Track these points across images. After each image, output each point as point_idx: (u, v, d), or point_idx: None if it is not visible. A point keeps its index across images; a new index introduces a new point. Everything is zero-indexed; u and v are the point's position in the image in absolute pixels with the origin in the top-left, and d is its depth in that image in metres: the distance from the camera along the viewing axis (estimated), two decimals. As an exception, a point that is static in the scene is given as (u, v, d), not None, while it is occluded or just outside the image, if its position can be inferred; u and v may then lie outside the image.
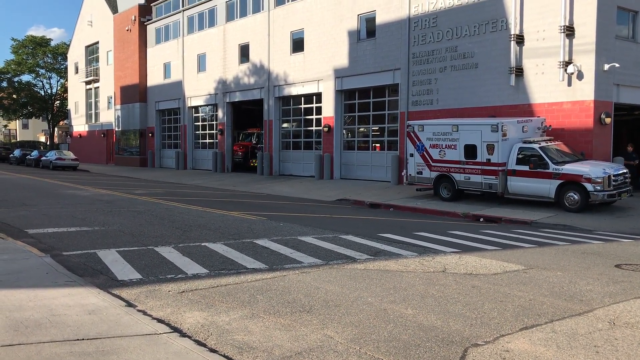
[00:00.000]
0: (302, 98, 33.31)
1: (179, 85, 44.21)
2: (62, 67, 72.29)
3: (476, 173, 19.41)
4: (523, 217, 16.94)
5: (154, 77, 47.86)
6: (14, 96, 73.14)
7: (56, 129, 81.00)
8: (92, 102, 60.04)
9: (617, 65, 20.27)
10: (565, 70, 20.44)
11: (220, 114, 39.89)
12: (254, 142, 39.27)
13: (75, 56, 62.91)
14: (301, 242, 11.59)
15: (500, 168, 18.73)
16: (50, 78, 74.14)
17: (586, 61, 20.13)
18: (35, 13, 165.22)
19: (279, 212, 17.78)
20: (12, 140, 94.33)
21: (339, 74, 29.87)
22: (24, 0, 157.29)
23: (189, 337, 5.80)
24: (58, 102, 75.07)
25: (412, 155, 21.59)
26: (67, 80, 68.34)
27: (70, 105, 64.91)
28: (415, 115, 25.35)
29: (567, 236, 13.70)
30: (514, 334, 6.02)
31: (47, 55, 72.03)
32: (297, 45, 32.77)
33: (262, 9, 35.37)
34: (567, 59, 20.50)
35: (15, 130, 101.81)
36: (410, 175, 21.82)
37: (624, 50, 20.97)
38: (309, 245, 11.32)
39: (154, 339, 5.64)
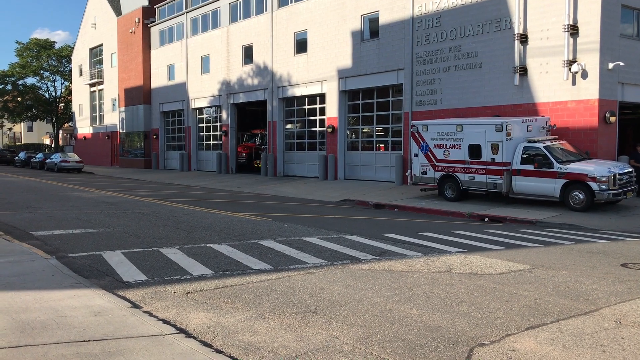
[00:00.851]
0: (306, 99, 33.32)
1: (182, 86, 44.29)
2: (66, 69, 72.54)
3: (481, 173, 19.38)
4: (528, 216, 16.90)
5: (158, 79, 47.96)
6: (19, 99, 73.43)
7: (61, 132, 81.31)
8: (96, 104, 60.21)
9: (621, 63, 20.23)
10: (570, 69, 20.40)
11: (224, 115, 39.93)
12: (257, 143, 39.31)
13: (80, 59, 63.12)
14: (306, 243, 11.59)
15: (504, 168, 18.69)
16: (54, 81, 74.44)
17: (590, 60, 20.08)
18: (39, 16, 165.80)
19: (283, 213, 17.79)
20: (17, 143, 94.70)
21: (343, 75, 29.88)
22: (29, 4, 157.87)
23: (195, 338, 5.81)
24: (62, 104, 75.32)
25: (416, 155, 21.56)
26: (71, 83, 68.56)
27: (75, 108, 65.10)
28: (419, 116, 25.34)
29: (573, 235, 13.66)
30: (519, 333, 6.01)
31: (51, 58, 72.27)
32: (301, 46, 32.79)
33: (266, 10, 35.41)
34: (571, 57, 20.46)
35: (20, 133, 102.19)
36: (414, 175, 21.80)
37: (629, 48, 20.91)
38: (314, 245, 11.32)
39: (159, 340, 5.65)
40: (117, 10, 54.34)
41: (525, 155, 18.42)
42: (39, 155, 51.56)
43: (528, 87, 21.87)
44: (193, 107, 43.54)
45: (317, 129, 32.76)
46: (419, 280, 8.41)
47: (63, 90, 74.88)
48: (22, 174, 39.57)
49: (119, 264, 9.39)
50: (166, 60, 46.62)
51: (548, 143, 18.56)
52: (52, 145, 78.67)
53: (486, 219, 17.32)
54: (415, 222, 16.23)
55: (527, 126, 19.34)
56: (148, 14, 49.06)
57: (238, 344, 5.65)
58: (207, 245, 11.19)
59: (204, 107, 42.96)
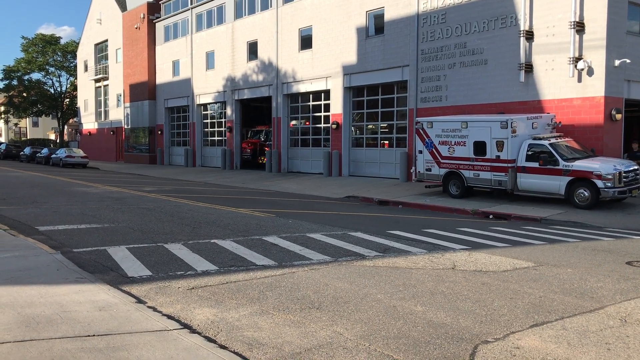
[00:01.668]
0: (311, 95, 33.30)
1: (187, 82, 44.31)
2: (71, 65, 72.69)
3: (485, 170, 19.33)
4: (533, 214, 16.86)
5: (163, 75, 48.00)
6: (24, 94, 73.62)
7: (66, 127, 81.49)
8: (101, 99, 60.32)
9: (628, 61, 20.13)
10: (576, 66, 20.31)
11: (228, 111, 39.95)
12: (262, 139, 39.32)
13: (85, 54, 63.22)
14: (310, 239, 11.59)
15: (509, 165, 18.65)
16: (60, 76, 74.67)
17: (596, 57, 19.99)
18: (45, 12, 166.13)
19: (287, 209, 17.79)
20: (23, 138, 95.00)
21: (348, 71, 29.83)
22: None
23: (199, 334, 5.82)
24: (68, 100, 75.48)
25: (421, 152, 21.53)
26: (76, 78, 68.71)
27: (80, 103, 65.24)
28: (424, 112, 25.28)
29: (578, 233, 13.62)
30: (524, 330, 5.99)
31: (56, 54, 72.43)
32: (306, 42, 32.74)
33: (271, 6, 35.36)
34: (577, 54, 20.37)
35: (26, 128, 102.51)
36: (419, 172, 21.77)
37: (635, 45, 20.80)
38: (318, 242, 11.32)
39: (164, 335, 5.66)
40: (123, 5, 54.37)
41: (530, 153, 18.36)
42: (44, 151, 51.69)
43: (533, 84, 21.79)
44: (198, 103, 43.57)
45: (322, 125, 32.74)
46: (423, 277, 8.41)
47: (68, 85, 75.06)
48: (27, 169, 39.70)
49: (123, 259, 9.41)
50: (171, 56, 46.64)
51: (553, 140, 18.49)
52: (58, 141, 78.88)
53: (491, 216, 17.29)
54: (419, 219, 16.21)
55: (533, 123, 19.27)
56: (153, 9, 49.07)
57: (242, 340, 5.66)
58: (212, 241, 11.20)
59: (209, 103, 42.98)
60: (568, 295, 7.44)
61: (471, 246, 11.17)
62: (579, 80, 20.43)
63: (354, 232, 12.65)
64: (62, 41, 74.19)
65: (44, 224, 13.11)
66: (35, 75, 74.28)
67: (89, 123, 62.48)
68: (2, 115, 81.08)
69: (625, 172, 17.08)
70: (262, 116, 40.75)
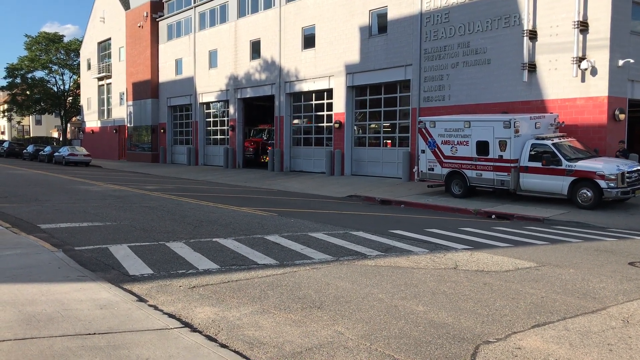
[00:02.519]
0: (313, 94, 33.28)
1: (190, 81, 44.33)
2: (74, 63, 72.80)
3: (488, 170, 19.30)
4: (535, 214, 16.82)
5: (166, 73, 48.02)
6: (28, 92, 73.75)
7: (69, 125, 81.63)
8: (104, 98, 60.38)
9: (631, 60, 20.07)
10: (579, 66, 20.25)
11: (231, 110, 39.95)
12: (265, 138, 39.32)
13: (88, 52, 63.28)
14: (312, 238, 11.58)
15: (512, 165, 18.61)
16: (63, 74, 74.73)
17: (600, 57, 19.93)
18: (50, 10, 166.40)
19: (289, 208, 17.78)
20: (26, 136, 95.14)
21: (350, 70, 29.80)
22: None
23: (200, 332, 5.81)
24: (71, 98, 75.62)
25: (423, 151, 21.50)
26: (79, 77, 68.79)
27: (83, 102, 65.31)
28: (426, 112, 25.25)
29: (580, 233, 13.58)
30: (525, 331, 5.97)
31: (59, 52, 72.57)
32: (308, 41, 32.72)
33: (274, 5, 35.35)
34: (580, 54, 20.31)
35: (29, 126, 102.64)
36: (421, 171, 21.74)
37: (639, 45, 20.72)
38: (320, 241, 11.30)
39: (164, 334, 5.65)
40: (126, 4, 54.39)
41: (533, 152, 18.32)
42: (47, 149, 51.79)
43: (537, 83, 21.73)
44: (201, 101, 43.57)
45: (324, 124, 32.72)
46: (425, 276, 8.39)
47: (71, 83, 75.18)
48: (30, 167, 39.76)
49: (125, 257, 9.41)
50: (174, 54, 46.66)
51: (556, 140, 18.45)
52: (60, 139, 79.03)
53: (493, 216, 17.25)
54: (421, 219, 16.19)
55: (536, 123, 19.23)
56: (156, 8, 49.09)
57: (243, 339, 5.65)
58: (213, 239, 11.20)
59: (212, 102, 42.99)
60: (570, 295, 7.41)
61: (473, 246, 11.14)
62: (583, 80, 20.38)
63: (355, 232, 12.63)
64: (66, 39, 74.37)
65: (45, 222, 13.12)
66: (39, 74, 74.56)
67: (91, 121, 62.54)
68: (6, 113, 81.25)
69: (628, 172, 17.02)
70: (265, 115, 40.74)
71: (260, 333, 5.82)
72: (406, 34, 26.70)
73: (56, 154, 47.49)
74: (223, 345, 5.46)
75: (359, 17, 29.21)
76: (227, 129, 40.81)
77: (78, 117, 73.41)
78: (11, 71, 72.39)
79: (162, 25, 48.42)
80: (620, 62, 19.94)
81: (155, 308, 6.61)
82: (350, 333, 5.86)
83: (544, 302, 7.05)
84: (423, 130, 21.45)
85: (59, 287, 7.26)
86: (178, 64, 46.25)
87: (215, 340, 5.59)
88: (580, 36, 20.29)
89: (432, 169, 21.21)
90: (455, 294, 7.39)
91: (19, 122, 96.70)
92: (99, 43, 60.48)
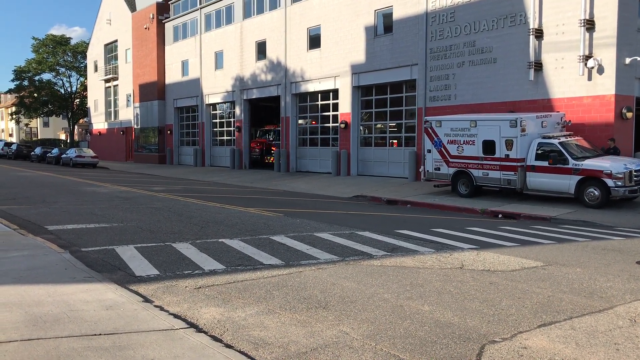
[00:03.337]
0: (319, 94, 33.29)
1: (196, 82, 44.43)
2: (81, 65, 73.11)
3: (494, 169, 19.24)
4: (542, 213, 16.76)
5: (172, 75, 48.16)
6: (35, 95, 74.11)
7: (76, 127, 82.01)
8: (111, 100, 60.62)
9: (639, 58, 19.94)
10: (586, 64, 20.16)
11: (237, 111, 40.02)
12: (270, 139, 39.36)
13: (95, 54, 63.56)
14: (317, 239, 11.57)
15: (519, 164, 18.54)
16: (70, 76, 75.07)
17: (607, 55, 19.83)
18: (57, 13, 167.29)
19: (295, 208, 17.79)
20: (34, 139, 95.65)
21: (356, 70, 29.79)
22: (47, 1, 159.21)
23: (205, 333, 5.82)
24: (78, 100, 75.93)
25: (429, 151, 21.46)
26: (86, 79, 69.11)
27: (90, 104, 65.60)
28: (432, 111, 25.20)
29: (587, 232, 13.52)
30: (532, 330, 5.95)
31: (66, 54, 72.89)
32: (314, 41, 32.74)
33: (279, 6, 35.39)
34: (587, 53, 20.22)
35: (37, 128, 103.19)
36: (427, 171, 21.70)
37: (646, 43, 20.62)
38: (326, 241, 11.30)
39: (170, 335, 5.66)
40: (132, 6, 54.60)
41: (539, 152, 18.25)
42: (55, 151, 52.02)
43: (543, 82, 21.65)
44: (207, 102, 43.67)
45: (330, 124, 32.72)
46: (430, 276, 8.37)
47: (78, 86, 75.50)
48: (37, 169, 39.95)
49: (131, 258, 9.44)
50: (180, 56, 46.79)
51: (563, 139, 18.37)
52: (68, 141, 79.36)
53: (500, 216, 17.20)
54: (428, 218, 16.16)
55: (542, 122, 19.15)
56: (162, 9, 49.25)
57: (248, 339, 5.65)
58: (219, 240, 11.21)
59: (218, 103, 43.08)
60: (577, 295, 7.38)
61: (480, 245, 11.11)
62: (589, 78, 20.28)
63: (361, 232, 12.62)
64: (73, 42, 74.73)
65: (53, 224, 13.18)
66: (46, 76, 74.88)
67: (99, 123, 62.80)
68: (14, 116, 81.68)
69: (636, 171, 16.93)
70: (271, 116, 40.79)
71: (266, 333, 5.83)
72: (412, 34, 26.66)
73: (63, 155, 47.69)
74: (228, 346, 5.46)
75: (365, 17, 29.19)
76: (234, 130, 40.89)
77: (85, 119, 73.71)
78: (19, 74, 72.80)
79: (168, 26, 48.56)
80: (628, 60, 19.83)
81: (161, 309, 6.62)
82: (355, 333, 5.85)
83: (551, 302, 7.02)
84: (429, 129, 21.42)
85: (66, 288, 7.29)
86: (184, 65, 46.37)
87: (220, 341, 5.59)
88: (587, 34, 20.20)
89: (439, 169, 21.17)
90: (461, 294, 7.37)
91: (26, 125, 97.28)
92: (106, 45, 60.73)
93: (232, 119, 41.57)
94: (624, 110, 20.00)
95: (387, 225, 14.10)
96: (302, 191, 25.12)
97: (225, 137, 42.97)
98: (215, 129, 44.11)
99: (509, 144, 18.72)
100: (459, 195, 20.49)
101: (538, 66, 21.65)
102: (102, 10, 61.44)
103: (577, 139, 18.93)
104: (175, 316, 6.34)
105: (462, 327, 6.05)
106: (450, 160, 20.65)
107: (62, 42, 72.81)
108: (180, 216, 14.86)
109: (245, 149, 39.75)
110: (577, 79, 20.58)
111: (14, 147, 62.80)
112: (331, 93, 32.27)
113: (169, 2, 48.87)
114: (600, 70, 19.99)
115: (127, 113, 55.96)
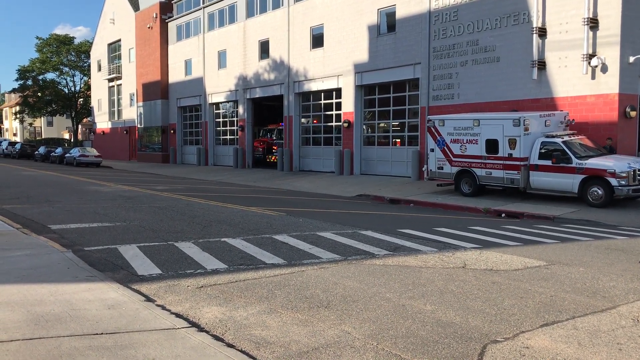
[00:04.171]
0: (322, 93, 33.27)
1: (199, 82, 44.47)
2: (85, 65, 73.27)
3: (498, 168, 19.20)
4: (545, 212, 16.71)
5: (175, 74, 48.21)
6: (39, 94, 74.29)
7: (80, 126, 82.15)
8: (114, 99, 60.72)
9: (642, 57, 19.88)
10: (589, 63, 20.09)
11: (240, 110, 40.04)
12: (273, 137, 39.38)
13: (98, 54, 63.66)
14: (320, 238, 11.57)
15: (522, 163, 18.50)
16: (73, 76, 75.25)
17: (610, 54, 19.76)
18: (61, 12, 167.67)
19: (298, 207, 17.79)
20: (37, 138, 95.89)
21: (359, 69, 29.76)
22: (51, 0, 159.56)
23: (207, 332, 5.82)
24: (81, 99, 76.09)
25: (432, 150, 21.43)
26: (90, 78, 69.23)
27: (94, 103, 65.74)
28: (435, 110, 25.16)
29: (591, 232, 13.48)
30: (534, 330, 5.93)
31: (70, 54, 73.04)
32: (317, 40, 32.72)
33: (282, 5, 35.38)
34: (590, 51, 20.15)
35: (40, 127, 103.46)
36: (430, 170, 21.67)
37: (650, 42, 20.54)
38: (328, 240, 11.29)
39: (172, 334, 5.67)
40: (135, 5, 54.64)
41: (543, 151, 18.20)
42: (59, 150, 52.13)
43: (546, 81, 21.59)
44: (210, 102, 43.70)
45: (333, 123, 32.71)
46: (433, 276, 8.35)
47: (82, 85, 75.67)
48: (41, 168, 40.05)
49: (134, 257, 9.45)
50: (183, 55, 46.82)
51: (566, 138, 18.32)
52: (72, 140, 79.55)
53: (503, 215, 17.16)
54: (430, 218, 16.13)
55: (545, 121, 19.10)
56: (165, 9, 49.28)
57: (250, 339, 5.65)
58: (222, 239, 11.22)
59: (221, 102, 43.10)
60: (580, 294, 7.35)
61: (482, 245, 11.09)
62: (593, 77, 20.22)
63: (364, 231, 12.61)
64: (78, 41, 75.02)
65: (56, 223, 13.21)
66: (50, 75, 75.09)
67: (102, 122, 62.91)
68: (17, 115, 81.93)
69: (639, 170, 16.86)
70: (274, 115, 40.80)
71: (267, 333, 5.82)
72: (415, 33, 26.62)
73: (67, 155, 47.81)
74: (230, 345, 5.46)
75: (368, 16, 29.15)
76: (237, 129, 40.91)
77: (89, 118, 73.90)
78: (23, 73, 72.99)
79: (172, 26, 48.60)
80: (631, 59, 19.76)
81: (163, 308, 6.62)
82: (357, 332, 5.84)
83: (553, 301, 7.00)
84: (432, 128, 21.38)
85: (68, 287, 7.30)
86: (187, 64, 46.41)
87: (222, 340, 5.59)
88: (590, 33, 20.13)
89: (442, 168, 21.14)
90: (463, 293, 7.35)
91: (30, 124, 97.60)
92: (109, 44, 60.82)
93: (235, 118, 41.59)
94: (627, 109, 19.93)
95: (389, 225, 14.09)
96: (305, 190, 25.12)
97: (228, 136, 43.00)
98: (218, 128, 44.14)
99: (512, 143, 18.68)
100: (462, 194, 20.45)
101: (541, 65, 21.59)
102: (105, 9, 61.52)
103: (580, 138, 18.88)
104: (177, 315, 6.35)
105: (464, 326, 6.04)
106: (453, 159, 20.61)
107: (65, 41, 72.98)
108: (183, 215, 14.87)
109: (248, 148, 39.76)
110: (580, 77, 20.52)
111: (17, 146, 62.99)
112: (334, 92, 32.25)
113: (172, 2, 48.91)
114: (604, 69, 19.92)
115: (131, 112, 56.04)
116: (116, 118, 60.15)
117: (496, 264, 9.19)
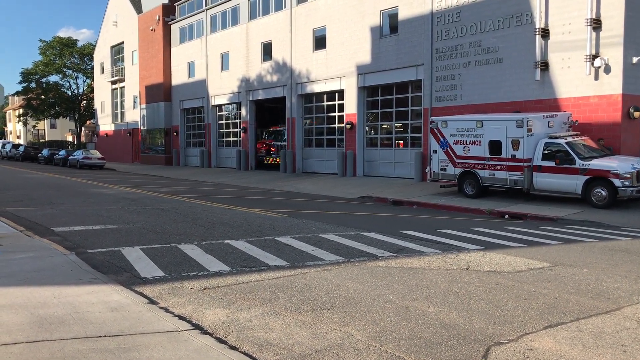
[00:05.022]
0: (325, 95, 33.28)
1: (202, 84, 44.52)
2: (88, 67, 73.37)
3: (501, 169, 19.17)
4: (549, 213, 16.68)
5: (178, 76, 48.27)
6: (42, 96, 74.45)
7: (83, 129, 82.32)
8: (117, 101, 60.83)
9: (646, 58, 19.84)
10: (592, 63, 20.05)
11: (243, 112, 40.07)
12: (272, 139, 39.35)
13: (101, 56, 63.79)
14: (323, 240, 11.56)
15: (525, 164, 18.47)
16: (77, 78, 75.36)
17: (614, 54, 19.72)
18: (65, 15, 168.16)
19: (301, 209, 17.78)
20: (41, 140, 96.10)
21: (362, 71, 29.76)
22: (55, 3, 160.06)
23: (210, 334, 5.82)
24: (85, 102, 76.22)
25: (435, 151, 21.41)
26: (93, 80, 69.36)
27: (97, 105, 65.85)
28: (438, 111, 25.14)
29: (594, 233, 13.44)
30: (538, 332, 5.91)
31: (73, 56, 73.15)
32: (319, 42, 32.73)
33: (284, 7, 35.41)
34: (593, 52, 20.11)
35: (44, 130, 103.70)
36: (433, 171, 21.65)
37: (653, 42, 20.49)
38: (331, 242, 11.29)
39: (175, 336, 5.67)
40: (138, 8, 54.78)
41: (546, 152, 18.17)
42: (62, 152, 52.22)
43: (549, 82, 21.56)
44: (213, 104, 43.75)
45: (336, 125, 32.70)
46: (436, 277, 8.34)
47: (85, 87, 75.80)
48: (45, 171, 40.14)
49: (137, 260, 9.45)
50: (186, 57, 46.89)
51: (570, 139, 18.28)
52: (75, 142, 79.68)
53: (506, 216, 17.13)
54: (434, 219, 16.11)
55: (549, 122, 19.07)
56: (168, 11, 49.37)
57: (253, 341, 5.65)
58: (225, 241, 11.22)
59: (224, 104, 43.13)
60: (584, 296, 7.33)
61: (486, 246, 11.07)
62: (596, 78, 20.18)
63: (367, 233, 12.60)
64: (80, 44, 75.03)
65: (59, 225, 13.23)
66: (53, 78, 75.18)
67: (105, 124, 63.03)
68: (21, 118, 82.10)
69: (643, 170, 16.82)
70: (277, 117, 40.81)
71: (270, 335, 5.82)
72: (417, 34, 26.61)
73: (70, 157, 47.89)
74: (233, 347, 5.46)
75: (370, 18, 29.16)
76: (239, 131, 40.94)
77: (92, 121, 73.99)
78: (26, 76, 73.14)
79: (174, 28, 48.67)
80: (635, 60, 19.71)
81: (166, 310, 6.63)
82: (360, 334, 5.83)
83: (557, 303, 6.98)
84: (435, 130, 21.37)
85: (71, 289, 7.31)
86: (190, 66, 46.47)
87: (225, 342, 5.59)
88: (593, 33, 20.09)
89: (445, 169, 21.11)
90: (466, 295, 7.34)
91: (34, 126, 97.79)
92: (112, 47, 60.94)
93: (238, 120, 41.62)
94: (631, 110, 19.88)
95: (392, 226, 14.07)
96: (308, 192, 25.11)
97: (231, 138, 43.02)
98: (221, 130, 44.17)
99: (516, 144, 18.65)
100: (465, 195, 20.42)
101: (544, 66, 21.56)
102: (108, 12, 61.67)
103: (584, 138, 18.84)
104: (181, 318, 6.35)
105: (467, 328, 6.03)
106: (457, 160, 20.59)
107: (68, 44, 73.10)
108: (186, 217, 14.88)
109: (251, 150, 39.79)
110: (583, 78, 20.48)
111: (21, 148, 63.14)
112: (337, 94, 32.26)
113: (175, 4, 49.00)
114: (607, 69, 19.88)
115: (134, 114, 56.12)
116: (119, 120, 60.26)
117: (500, 266, 9.17)
